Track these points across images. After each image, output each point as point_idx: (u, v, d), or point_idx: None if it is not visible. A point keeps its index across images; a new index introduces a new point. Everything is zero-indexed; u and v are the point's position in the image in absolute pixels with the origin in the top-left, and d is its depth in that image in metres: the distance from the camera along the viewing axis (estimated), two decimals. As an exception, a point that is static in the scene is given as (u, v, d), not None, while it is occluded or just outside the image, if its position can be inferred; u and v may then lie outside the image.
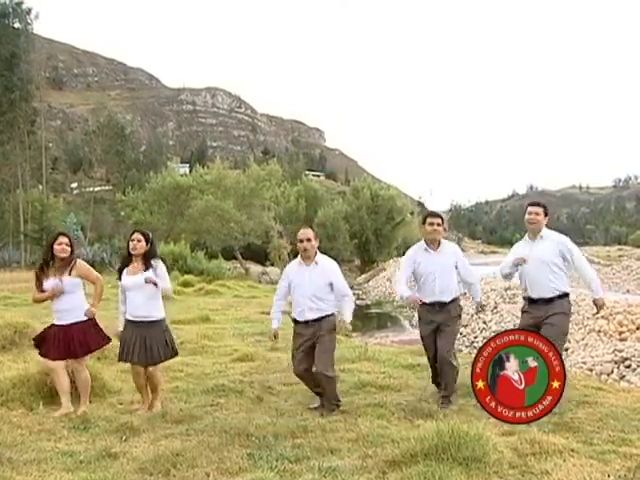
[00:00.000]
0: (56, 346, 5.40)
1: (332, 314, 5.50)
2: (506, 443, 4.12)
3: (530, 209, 5.73)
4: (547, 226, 5.77)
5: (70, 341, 5.40)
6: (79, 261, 5.62)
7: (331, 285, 5.48)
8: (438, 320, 5.60)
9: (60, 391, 5.46)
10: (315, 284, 5.43)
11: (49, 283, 5.43)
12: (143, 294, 5.41)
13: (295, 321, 5.56)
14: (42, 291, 5.47)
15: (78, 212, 52.38)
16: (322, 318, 5.43)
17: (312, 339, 5.42)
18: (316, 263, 5.50)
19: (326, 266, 5.56)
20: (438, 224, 5.62)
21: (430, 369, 5.94)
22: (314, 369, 5.44)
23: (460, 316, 5.83)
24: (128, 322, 5.49)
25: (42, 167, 48.55)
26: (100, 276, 5.74)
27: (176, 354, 5.74)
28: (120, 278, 5.57)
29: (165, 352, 5.52)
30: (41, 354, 5.55)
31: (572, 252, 5.65)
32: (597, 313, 6.24)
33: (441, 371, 5.63)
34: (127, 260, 5.58)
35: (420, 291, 5.72)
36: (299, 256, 5.57)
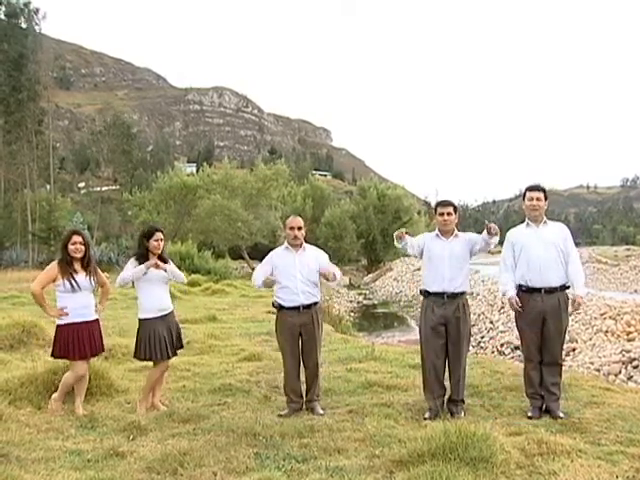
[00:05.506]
0: (88, 343, 5.37)
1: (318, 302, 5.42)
2: (513, 443, 4.10)
3: (530, 194, 5.19)
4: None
5: (92, 337, 5.42)
6: (97, 269, 5.65)
7: (318, 272, 5.35)
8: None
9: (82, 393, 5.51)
10: (307, 267, 5.29)
11: (81, 280, 5.36)
12: (165, 287, 5.59)
13: (281, 307, 5.35)
14: (75, 283, 5.33)
15: (85, 212, 52.68)
16: (315, 304, 5.35)
17: (301, 328, 5.27)
18: (304, 249, 5.40)
19: (313, 251, 5.49)
20: (449, 213, 5.21)
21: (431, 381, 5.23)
22: (308, 363, 5.35)
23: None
24: (153, 319, 5.41)
25: (49, 167, 48.76)
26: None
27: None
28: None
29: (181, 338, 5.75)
30: (76, 357, 5.32)
31: (571, 240, 5.23)
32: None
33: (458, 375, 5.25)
34: (144, 258, 5.48)
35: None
36: (285, 244, 5.46)
